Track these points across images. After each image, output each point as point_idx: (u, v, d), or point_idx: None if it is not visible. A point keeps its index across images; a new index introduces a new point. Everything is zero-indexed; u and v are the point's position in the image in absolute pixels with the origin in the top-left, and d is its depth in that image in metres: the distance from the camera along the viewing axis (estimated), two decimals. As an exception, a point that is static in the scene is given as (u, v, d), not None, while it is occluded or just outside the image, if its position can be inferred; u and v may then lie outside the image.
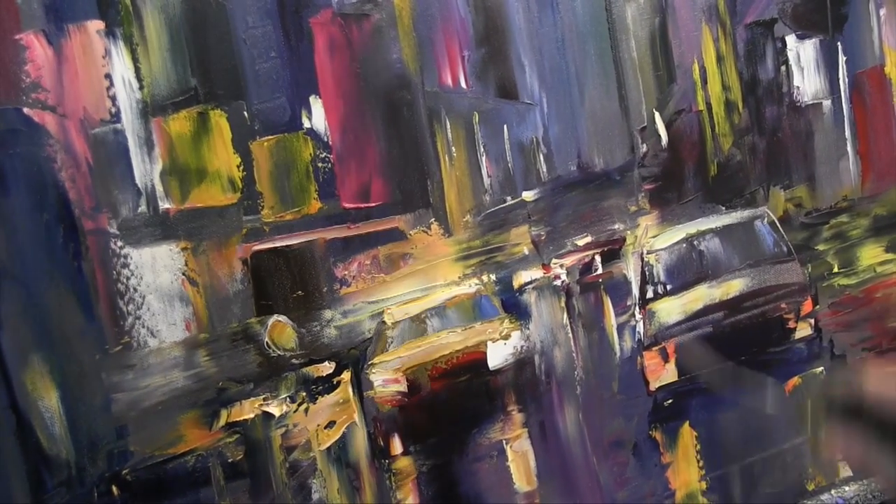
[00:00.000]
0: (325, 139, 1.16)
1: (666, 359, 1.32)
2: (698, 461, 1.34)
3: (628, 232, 1.30)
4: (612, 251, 1.29)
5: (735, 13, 1.32)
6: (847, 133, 1.38)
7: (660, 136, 1.29)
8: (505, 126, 1.23)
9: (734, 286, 1.33)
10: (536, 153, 1.24)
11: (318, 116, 1.15)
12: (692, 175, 1.32)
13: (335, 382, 1.19)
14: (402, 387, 1.21)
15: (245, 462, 1.16)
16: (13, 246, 1.04)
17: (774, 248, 1.35)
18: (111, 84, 1.07)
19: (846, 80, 1.37)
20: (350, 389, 1.20)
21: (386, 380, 1.21)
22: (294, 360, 1.17)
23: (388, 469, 1.22)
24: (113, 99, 1.07)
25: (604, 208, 1.29)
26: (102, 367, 1.09)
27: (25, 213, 1.04)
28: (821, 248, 1.39)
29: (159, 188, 1.09)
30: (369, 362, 1.21)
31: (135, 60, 1.07)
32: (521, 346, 1.26)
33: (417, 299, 1.22)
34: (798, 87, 1.35)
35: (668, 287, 1.32)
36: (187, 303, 1.12)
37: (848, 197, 1.39)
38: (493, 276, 1.25)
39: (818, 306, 1.38)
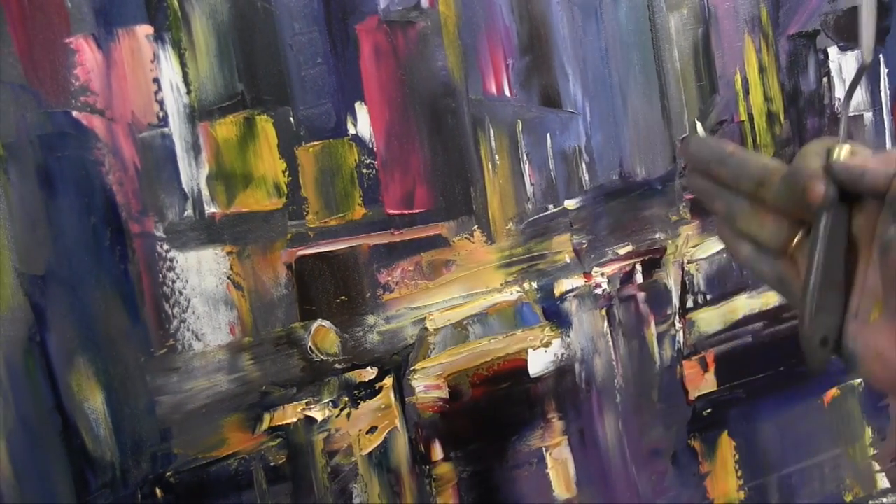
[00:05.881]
0: (370, 145, 1.16)
1: (705, 368, 1.32)
2: (737, 471, 1.34)
3: (669, 241, 1.30)
4: (653, 260, 1.30)
5: (778, 24, 1.32)
6: (888, 145, 1.38)
7: (702, 146, 1.29)
8: (548, 134, 1.23)
9: (773, 297, 1.33)
10: (579, 162, 1.25)
11: (363, 123, 1.15)
12: (733, 185, 1.32)
13: (377, 388, 1.20)
14: (444, 393, 1.22)
15: (287, 466, 1.16)
16: (60, 248, 1.04)
17: (814, 259, 1.35)
18: (159, 88, 1.07)
19: (888, 92, 1.37)
20: (392, 395, 1.20)
21: (428, 386, 1.21)
22: (337, 365, 1.18)
23: (429, 475, 1.22)
24: (161, 103, 1.07)
25: (645, 217, 1.29)
26: (147, 369, 1.09)
27: (73, 216, 1.05)
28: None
29: (205, 192, 1.10)
30: (411, 368, 1.21)
31: (182, 65, 1.07)
32: (562, 354, 1.26)
33: (459, 306, 1.22)
34: (839, 99, 1.35)
35: (709, 297, 1.32)
36: (232, 307, 1.12)
37: (888, 209, 1.39)
38: (534, 284, 1.25)
39: (857, 317, 1.38)
